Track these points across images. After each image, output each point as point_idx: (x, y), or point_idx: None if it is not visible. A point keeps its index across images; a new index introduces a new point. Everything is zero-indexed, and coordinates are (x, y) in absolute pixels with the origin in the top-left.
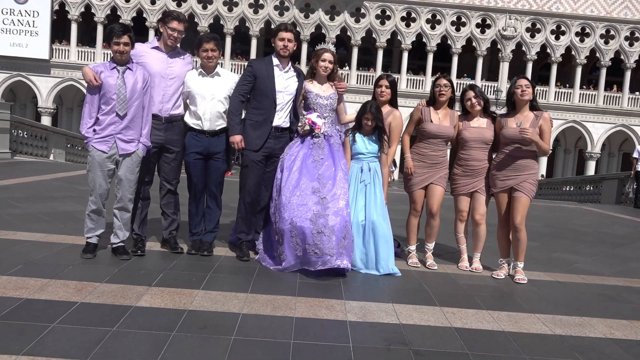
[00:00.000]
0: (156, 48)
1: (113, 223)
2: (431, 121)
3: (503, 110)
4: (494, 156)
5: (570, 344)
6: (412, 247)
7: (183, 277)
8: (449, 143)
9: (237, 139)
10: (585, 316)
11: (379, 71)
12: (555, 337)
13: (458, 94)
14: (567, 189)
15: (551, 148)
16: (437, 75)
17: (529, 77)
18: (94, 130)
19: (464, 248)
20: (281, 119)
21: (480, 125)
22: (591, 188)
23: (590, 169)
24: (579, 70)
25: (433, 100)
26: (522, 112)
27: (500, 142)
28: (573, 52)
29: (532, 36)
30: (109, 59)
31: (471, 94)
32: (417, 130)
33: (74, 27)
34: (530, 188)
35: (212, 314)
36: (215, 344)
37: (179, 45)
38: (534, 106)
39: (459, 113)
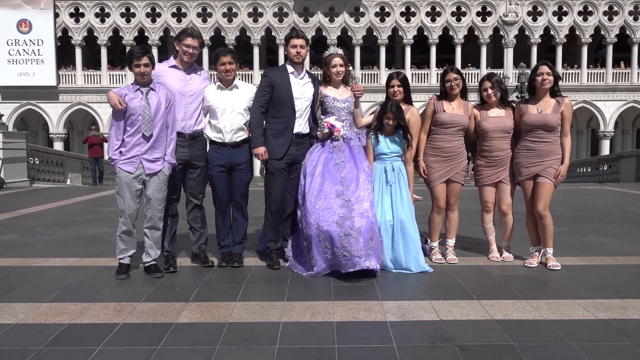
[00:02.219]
0: (174, 67)
1: (144, 242)
2: (444, 111)
3: (512, 97)
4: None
5: (615, 327)
6: (435, 244)
7: (218, 290)
8: (464, 133)
9: (260, 151)
10: (627, 298)
11: (382, 69)
12: (599, 321)
13: (470, 84)
14: (584, 170)
15: None
16: (445, 69)
17: (550, 63)
18: (120, 152)
19: (493, 239)
20: (301, 125)
21: (499, 115)
22: (609, 167)
23: (605, 148)
24: (584, 50)
25: (445, 95)
26: (544, 98)
27: (522, 130)
28: (577, 32)
29: (534, 19)
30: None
31: (488, 84)
32: (432, 122)
33: (78, 52)
34: (554, 174)
35: (253, 325)
36: (262, 354)
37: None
38: (554, 91)
39: (473, 104)
